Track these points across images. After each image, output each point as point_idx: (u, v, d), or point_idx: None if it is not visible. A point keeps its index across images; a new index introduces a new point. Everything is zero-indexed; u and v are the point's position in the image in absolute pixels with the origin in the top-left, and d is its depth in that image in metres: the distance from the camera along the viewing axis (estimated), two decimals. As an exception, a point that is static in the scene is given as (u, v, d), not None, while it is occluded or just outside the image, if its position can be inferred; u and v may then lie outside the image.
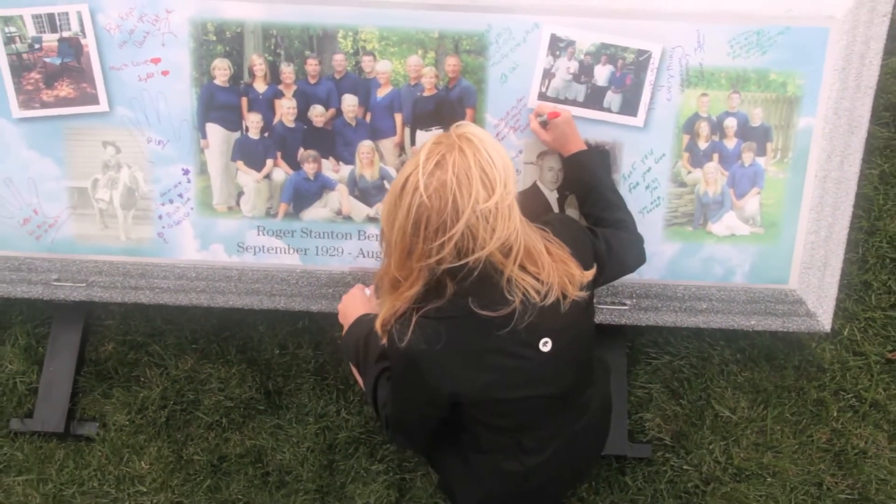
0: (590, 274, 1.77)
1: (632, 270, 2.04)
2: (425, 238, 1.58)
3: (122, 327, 2.53)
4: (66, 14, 2.07)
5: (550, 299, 1.67)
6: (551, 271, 1.68)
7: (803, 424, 2.47)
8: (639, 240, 2.06)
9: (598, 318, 2.32)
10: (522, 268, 1.65)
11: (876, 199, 2.60)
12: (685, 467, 2.43)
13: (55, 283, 2.30)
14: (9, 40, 2.09)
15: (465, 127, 1.65)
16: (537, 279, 1.66)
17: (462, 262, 1.58)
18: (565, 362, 1.78)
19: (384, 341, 1.76)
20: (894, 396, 2.50)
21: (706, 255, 2.25)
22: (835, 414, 2.48)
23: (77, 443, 2.44)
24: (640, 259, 2.06)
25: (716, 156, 2.18)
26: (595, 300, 2.26)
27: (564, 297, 1.69)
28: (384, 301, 1.76)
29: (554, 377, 1.78)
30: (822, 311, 2.33)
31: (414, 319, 1.66)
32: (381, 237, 1.76)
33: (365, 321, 2.00)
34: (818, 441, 2.46)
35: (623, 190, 2.15)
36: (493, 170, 1.57)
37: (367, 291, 2.12)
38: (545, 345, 1.71)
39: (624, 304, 2.31)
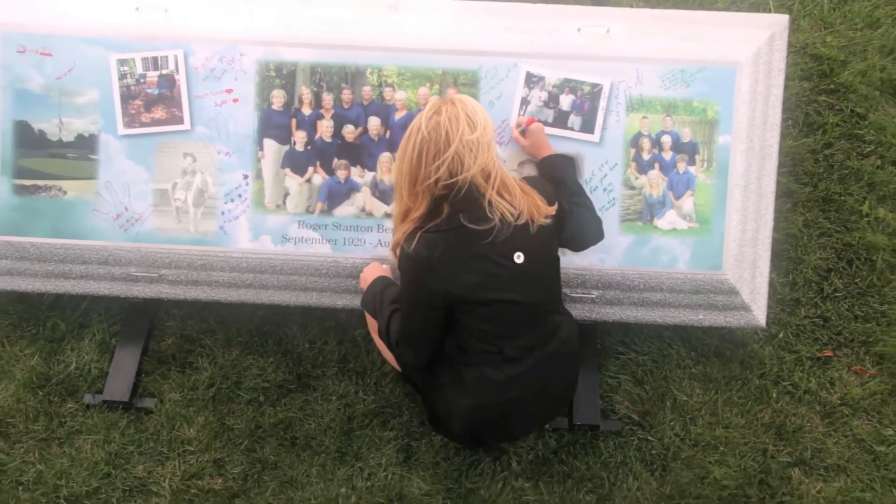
0: (552, 209, 2.32)
1: (592, 240, 2.55)
2: (426, 164, 2.17)
3: (181, 325, 3.04)
4: (167, 57, 2.75)
5: (522, 220, 2.23)
6: (522, 200, 2.25)
7: (748, 406, 2.91)
8: (597, 218, 2.57)
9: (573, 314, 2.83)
10: (500, 195, 2.22)
11: (801, 238, 3.18)
12: (650, 438, 2.85)
13: (134, 274, 2.85)
14: (122, 76, 2.76)
15: (457, 94, 2.28)
16: (511, 205, 2.23)
17: (453, 180, 2.16)
18: (535, 276, 2.30)
19: (396, 258, 2.31)
20: (824, 385, 2.95)
21: (654, 246, 2.78)
22: (774, 396, 2.92)
23: (138, 413, 2.88)
24: (598, 232, 2.56)
25: (657, 165, 2.77)
26: (567, 290, 2.81)
27: (532, 221, 2.25)
28: (398, 229, 2.32)
29: (527, 287, 2.28)
30: (756, 307, 2.84)
31: (418, 235, 2.22)
32: (394, 187, 2.35)
33: (381, 279, 2.55)
34: (762, 419, 2.89)
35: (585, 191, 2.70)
36: (476, 116, 2.18)
37: (384, 265, 2.68)
38: (518, 257, 2.24)
39: (591, 294, 2.83)
